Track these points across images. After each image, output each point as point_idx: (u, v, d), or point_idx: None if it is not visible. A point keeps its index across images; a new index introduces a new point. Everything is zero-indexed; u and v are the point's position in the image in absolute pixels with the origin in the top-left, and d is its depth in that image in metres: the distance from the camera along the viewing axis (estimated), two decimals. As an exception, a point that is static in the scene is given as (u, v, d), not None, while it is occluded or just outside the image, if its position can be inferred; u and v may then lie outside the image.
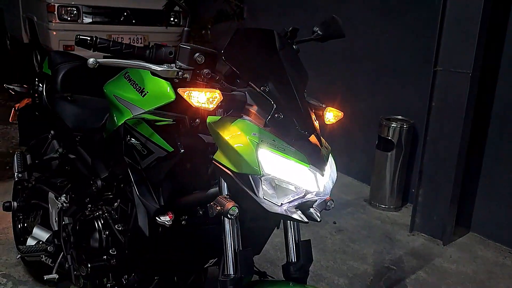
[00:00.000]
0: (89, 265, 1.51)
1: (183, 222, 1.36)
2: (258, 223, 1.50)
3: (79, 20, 6.23)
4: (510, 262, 2.96)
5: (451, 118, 2.97)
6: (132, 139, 1.40)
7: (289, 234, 1.41)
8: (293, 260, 1.40)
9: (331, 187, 1.30)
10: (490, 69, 3.04)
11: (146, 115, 1.41)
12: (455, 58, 2.89)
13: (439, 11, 2.91)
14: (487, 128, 3.13)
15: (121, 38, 6.46)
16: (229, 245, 1.24)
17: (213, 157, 1.23)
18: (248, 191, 1.17)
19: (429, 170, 3.13)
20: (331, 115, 1.48)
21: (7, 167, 3.98)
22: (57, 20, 6.10)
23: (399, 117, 3.56)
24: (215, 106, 1.17)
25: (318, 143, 1.28)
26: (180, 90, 1.16)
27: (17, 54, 8.54)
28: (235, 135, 1.20)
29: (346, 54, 4.09)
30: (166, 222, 1.30)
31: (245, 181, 1.17)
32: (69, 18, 6.18)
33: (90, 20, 6.33)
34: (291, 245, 1.41)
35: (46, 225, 2.13)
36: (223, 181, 1.24)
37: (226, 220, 1.24)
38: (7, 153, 4.31)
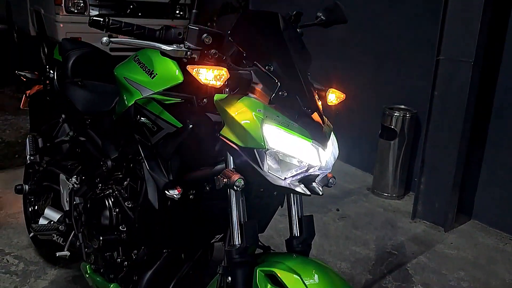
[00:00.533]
0: (101, 238, 1.57)
1: (190, 196, 1.42)
2: (263, 201, 1.56)
3: (85, 13, 6.30)
4: (510, 248, 3.01)
5: (453, 106, 3.01)
6: (142, 117, 1.46)
7: (292, 209, 1.47)
8: (296, 235, 1.45)
9: (333, 162, 1.35)
10: (492, 58, 3.07)
11: (156, 95, 1.47)
12: (457, 47, 2.93)
13: (442, 0, 2.94)
14: (489, 116, 3.17)
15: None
16: (234, 216, 1.30)
17: (220, 132, 1.29)
18: (253, 165, 1.23)
19: (431, 158, 3.18)
20: (334, 96, 1.53)
21: (16, 156, 4.07)
22: (64, 13, 6.18)
23: (402, 106, 3.60)
24: (222, 83, 1.23)
25: (320, 121, 1.33)
26: (189, 67, 1.22)
27: (25, 46, 8.63)
28: (241, 111, 1.25)
29: (349, 44, 4.14)
30: (174, 195, 1.36)
31: (250, 155, 1.23)
32: (76, 11, 6.25)
33: (97, 13, 6.39)
34: (294, 220, 1.46)
35: (57, 207, 2.20)
36: (229, 155, 1.30)
37: (232, 192, 1.30)
38: (16, 142, 4.39)
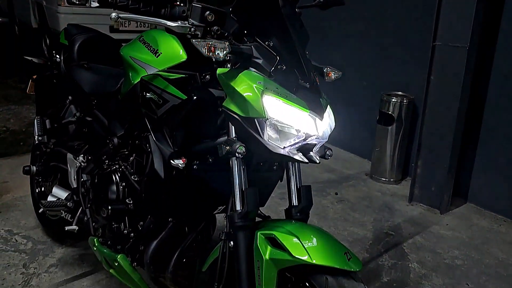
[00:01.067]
0: (109, 207, 1.65)
1: (194, 166, 1.49)
2: (263, 174, 1.63)
3: (87, 4, 6.35)
4: (504, 229, 3.09)
5: (449, 91, 3.08)
6: (149, 92, 1.54)
7: (291, 179, 1.55)
8: (295, 204, 1.53)
9: (329, 133, 1.43)
10: (487, 42, 3.14)
11: (161, 73, 1.54)
12: (453, 33, 3.00)
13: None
14: (485, 101, 3.24)
15: (128, 22, 6.59)
16: (236, 183, 1.37)
17: (223, 104, 1.37)
18: (254, 134, 1.31)
19: (428, 142, 3.26)
20: (331, 74, 1.61)
21: (21, 143, 4.15)
22: (66, 4, 6.23)
23: (400, 93, 3.67)
24: (224, 56, 1.30)
25: (317, 94, 1.41)
26: (193, 41, 1.29)
27: (26, 39, 8.68)
28: (242, 83, 1.33)
29: (348, 33, 4.20)
30: (179, 165, 1.44)
31: (251, 125, 1.31)
32: (77, 2, 6.30)
33: (97, 4, 6.43)
34: (293, 190, 1.54)
35: (64, 187, 2.27)
36: (231, 125, 1.37)
37: (234, 161, 1.37)
38: (20, 131, 4.47)
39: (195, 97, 1.41)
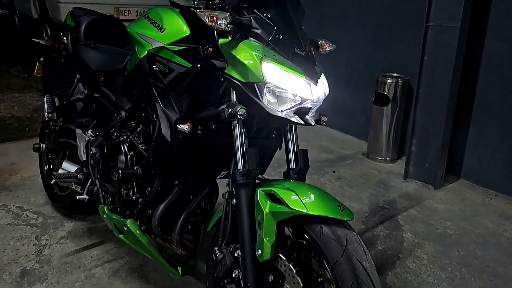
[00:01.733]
0: (120, 171, 1.76)
1: (199, 131, 1.60)
2: (262, 142, 1.75)
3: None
4: (495, 202, 3.21)
5: (442, 70, 3.19)
6: (155, 64, 1.64)
7: (289, 143, 1.66)
8: (293, 166, 1.65)
9: (324, 98, 1.54)
10: (479, 22, 3.24)
11: (166, 46, 1.65)
12: (445, 13, 3.10)
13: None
14: (477, 79, 3.35)
15: (128, 11, 6.68)
16: (238, 144, 1.49)
17: (225, 71, 1.48)
18: (254, 98, 1.42)
19: (422, 120, 3.37)
20: (325, 46, 1.71)
21: (27, 129, 4.26)
22: (67, -6, 6.31)
23: (395, 74, 3.78)
24: (225, 26, 1.41)
25: (312, 62, 1.52)
26: (197, 12, 1.40)
27: (26, 30, 8.75)
28: (242, 51, 1.44)
29: (341, 14, 4.29)
30: (185, 129, 1.55)
31: (251, 89, 1.42)
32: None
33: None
34: (291, 153, 1.65)
35: (74, 162, 2.39)
36: (232, 91, 1.49)
37: (236, 124, 1.48)
38: (25, 117, 4.58)
39: (199, 65, 1.52)
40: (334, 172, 3.58)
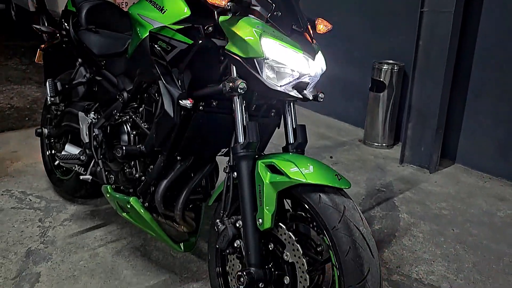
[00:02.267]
0: (123, 148, 1.81)
1: (200, 107, 1.65)
2: (261, 121, 1.79)
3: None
4: (489, 185, 3.28)
5: (436, 55, 3.24)
6: (157, 42, 1.69)
7: (288, 119, 1.71)
8: (291, 141, 1.70)
9: (321, 73, 1.59)
10: (472, 7, 3.29)
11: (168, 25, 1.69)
12: (439, -1, 3.16)
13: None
14: (471, 64, 3.40)
15: (126, 3, 6.70)
16: (238, 119, 1.54)
17: (225, 47, 1.53)
18: (254, 72, 1.47)
19: (417, 105, 3.43)
20: (322, 26, 1.76)
21: (26, 119, 4.30)
22: (64, -15, 6.32)
23: (390, 61, 3.83)
24: (225, 2, 1.45)
25: (309, 38, 1.57)
26: (197, -11, 1.45)
27: (23, 23, 8.76)
28: (242, 28, 1.49)
29: (340, 6, 4.34)
30: (187, 105, 1.60)
31: (251, 65, 1.47)
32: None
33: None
34: (290, 129, 1.71)
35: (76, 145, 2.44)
36: (233, 66, 1.54)
37: (236, 99, 1.53)
38: (25, 108, 4.62)
39: (200, 41, 1.57)
40: (331, 157, 3.64)
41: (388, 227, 2.65)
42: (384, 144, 3.92)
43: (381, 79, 3.77)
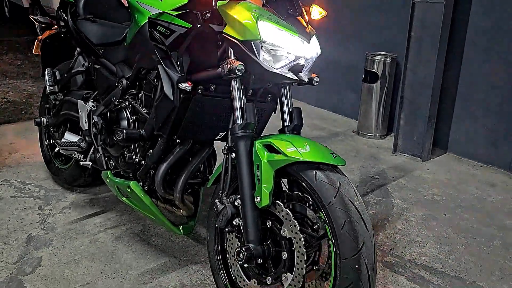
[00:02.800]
0: (124, 131, 1.85)
1: (199, 90, 1.70)
2: (258, 106, 1.84)
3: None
4: (480, 172, 3.35)
5: (428, 45, 3.30)
6: (156, 28, 1.73)
7: (284, 103, 1.76)
8: (288, 124, 1.75)
9: (316, 57, 1.65)
10: None
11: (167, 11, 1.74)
12: (431, -10, 3.21)
13: None
14: (462, 54, 3.47)
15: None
16: (236, 100, 1.59)
17: (223, 31, 1.57)
18: (251, 55, 1.52)
19: (409, 95, 3.49)
20: (316, 12, 1.81)
21: (23, 112, 4.32)
22: (58, -19, 6.33)
23: (383, 52, 3.89)
24: (223, -13, 1.50)
25: (304, 23, 1.62)
26: (196, -26, 1.49)
27: (16, 19, 8.75)
28: (240, 12, 1.53)
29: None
30: (186, 88, 1.65)
31: (248, 47, 1.52)
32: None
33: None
34: (286, 112, 1.76)
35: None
36: (231, 49, 1.58)
37: (234, 81, 1.58)
38: (21, 102, 4.64)
39: (199, 25, 1.61)
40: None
41: (382, 212, 2.71)
42: (377, 135, 3.98)
43: (374, 70, 3.83)
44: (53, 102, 2.68)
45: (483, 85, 3.41)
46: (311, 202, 1.54)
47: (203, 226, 2.42)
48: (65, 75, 2.48)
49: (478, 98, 3.46)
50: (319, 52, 1.68)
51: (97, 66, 2.33)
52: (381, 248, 2.34)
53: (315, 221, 1.59)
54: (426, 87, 3.37)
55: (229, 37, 1.55)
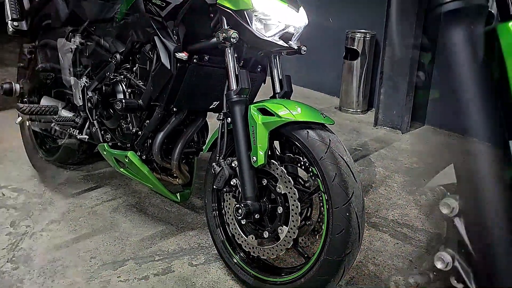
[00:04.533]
0: (123, 101, 1.92)
1: (194, 60, 1.79)
2: (249, 75, 1.95)
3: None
4: (456, 142, 3.53)
5: (405, 22, 3.45)
6: (151, 1, 1.81)
7: (274, 70, 1.87)
8: (278, 91, 1.86)
9: (304, 26, 1.75)
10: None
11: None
12: (407, -32, 3.35)
13: None
14: (437, 30, 3.62)
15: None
16: (231, 67, 1.68)
17: (217, 2, 1.67)
18: (244, 24, 1.62)
19: (388, 70, 3.64)
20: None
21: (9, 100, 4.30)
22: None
23: (363, 30, 4.02)
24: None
25: (293, -7, 1.73)
26: None
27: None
28: (232, -17, 1.63)
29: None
30: (183, 57, 1.74)
31: (241, 16, 1.62)
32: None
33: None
34: (276, 79, 1.87)
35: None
36: (224, 19, 1.68)
37: (228, 50, 1.68)
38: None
39: (193, -3, 1.70)
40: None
41: (365, 180, 2.86)
42: (358, 110, 4.13)
43: (355, 47, 3.96)
44: (28, 56, 2.67)
45: (457, 59, 3.57)
46: (302, 163, 1.65)
47: (197, 197, 2.52)
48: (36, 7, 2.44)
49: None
50: (307, 21, 1.79)
51: (89, 43, 2.39)
52: (366, 211, 2.48)
53: (306, 179, 1.71)
54: (404, 62, 3.52)
55: (223, 8, 1.65)
